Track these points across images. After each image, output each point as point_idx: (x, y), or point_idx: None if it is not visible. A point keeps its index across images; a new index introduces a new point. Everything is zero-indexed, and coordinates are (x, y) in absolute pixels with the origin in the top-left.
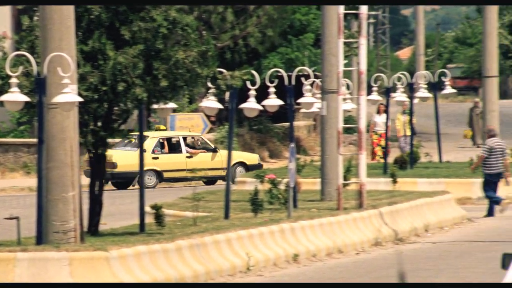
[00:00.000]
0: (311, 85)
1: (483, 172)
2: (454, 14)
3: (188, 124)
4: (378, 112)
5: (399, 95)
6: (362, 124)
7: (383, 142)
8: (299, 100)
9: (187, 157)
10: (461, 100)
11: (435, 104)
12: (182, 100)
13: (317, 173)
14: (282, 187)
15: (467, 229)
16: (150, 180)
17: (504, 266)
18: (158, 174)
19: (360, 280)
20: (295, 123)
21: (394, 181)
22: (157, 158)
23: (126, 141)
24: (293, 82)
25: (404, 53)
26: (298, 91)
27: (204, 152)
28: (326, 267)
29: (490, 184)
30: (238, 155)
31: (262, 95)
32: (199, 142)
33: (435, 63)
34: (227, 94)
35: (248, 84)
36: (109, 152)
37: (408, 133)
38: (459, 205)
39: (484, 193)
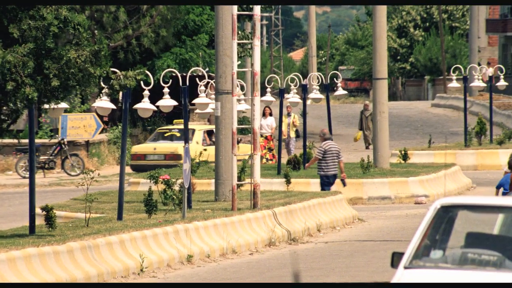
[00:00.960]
0: (206, 85)
1: (319, 174)
2: (345, 16)
3: (80, 124)
4: (264, 114)
5: (292, 96)
6: (256, 125)
7: (269, 144)
8: (194, 101)
9: None
10: (353, 101)
11: (327, 105)
12: (74, 100)
13: (211, 174)
14: (176, 187)
15: (358, 228)
16: None
17: (393, 264)
18: None
19: (253, 280)
20: (190, 123)
21: (288, 182)
22: (205, 149)
23: (166, 135)
24: (187, 82)
25: (297, 55)
26: (192, 92)
27: None
28: (220, 267)
29: (327, 185)
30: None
31: (156, 95)
32: None
33: (327, 64)
34: (121, 94)
35: (142, 84)
36: (174, 146)
37: (292, 134)
38: (350, 205)
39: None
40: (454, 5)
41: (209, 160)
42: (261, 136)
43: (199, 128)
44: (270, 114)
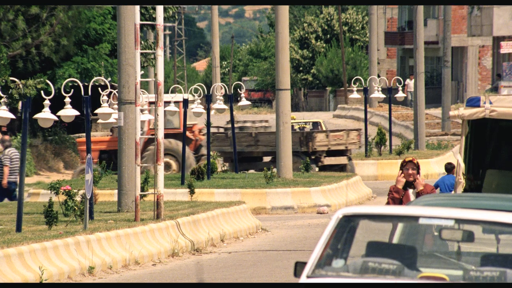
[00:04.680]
0: (109, 95)
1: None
2: (248, 27)
3: None
4: None
5: (196, 107)
6: (160, 135)
7: None
8: (96, 111)
9: None
10: (256, 111)
11: (231, 115)
12: None
13: (114, 184)
14: (78, 198)
15: (261, 238)
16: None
17: (296, 274)
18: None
19: None
20: (92, 133)
21: (192, 192)
22: None
23: (296, 127)
24: (90, 92)
25: (200, 65)
26: (95, 102)
27: None
28: (122, 279)
29: (10, 192)
30: None
31: (57, 105)
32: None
33: (231, 75)
34: (20, 104)
35: (43, 93)
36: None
37: None
38: (254, 215)
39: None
40: (354, 19)
41: None
42: None
43: (322, 120)
44: None
